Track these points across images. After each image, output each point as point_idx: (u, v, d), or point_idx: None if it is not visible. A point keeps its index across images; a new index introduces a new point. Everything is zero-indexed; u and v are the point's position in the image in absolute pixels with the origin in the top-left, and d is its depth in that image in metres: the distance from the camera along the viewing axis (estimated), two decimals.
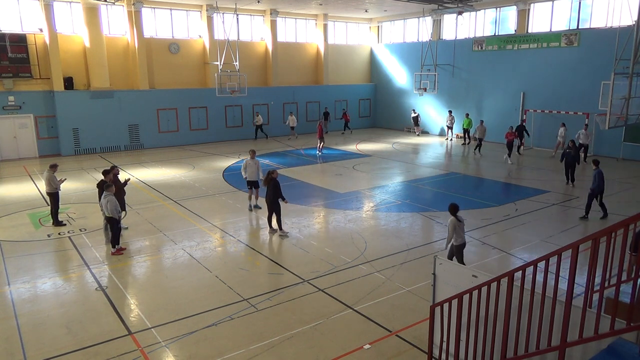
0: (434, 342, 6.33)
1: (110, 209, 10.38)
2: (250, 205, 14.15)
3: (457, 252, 8.87)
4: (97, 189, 11.64)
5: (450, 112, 27.41)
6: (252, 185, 13.88)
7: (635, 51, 14.33)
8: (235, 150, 24.42)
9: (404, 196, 15.65)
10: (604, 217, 12.91)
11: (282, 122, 29.40)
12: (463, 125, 26.29)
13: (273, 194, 11.57)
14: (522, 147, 23.02)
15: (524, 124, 22.91)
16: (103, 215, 11.15)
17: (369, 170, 19.74)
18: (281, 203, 11.72)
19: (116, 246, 10.68)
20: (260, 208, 13.85)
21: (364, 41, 34.07)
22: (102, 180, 11.45)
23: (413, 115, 30.53)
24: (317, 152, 23.39)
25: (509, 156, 20.62)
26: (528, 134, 23.15)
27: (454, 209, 8.79)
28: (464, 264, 8.80)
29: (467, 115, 26.16)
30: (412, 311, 8.02)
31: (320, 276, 9.41)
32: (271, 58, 29.35)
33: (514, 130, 21.12)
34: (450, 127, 27.29)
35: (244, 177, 13.89)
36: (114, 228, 10.58)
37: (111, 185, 10.77)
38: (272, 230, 12.01)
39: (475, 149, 22.78)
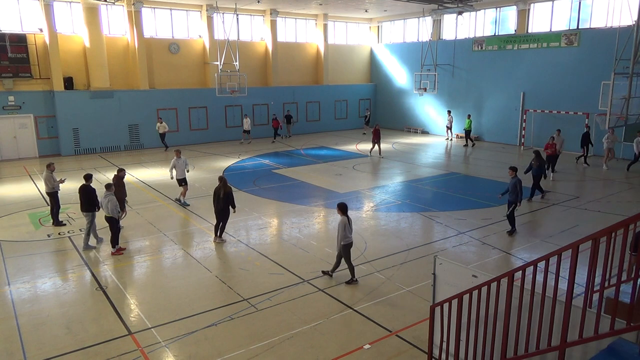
0: (434, 342, 6.33)
1: (111, 209, 10.37)
2: (179, 200, 14.63)
3: (345, 252, 8.96)
4: (80, 194, 11.09)
5: (449, 112, 27.43)
6: (181, 182, 14.67)
7: (635, 51, 14.35)
8: (235, 150, 24.42)
9: (404, 196, 15.65)
10: (512, 233, 11.66)
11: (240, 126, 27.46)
12: (465, 127, 25.76)
13: (225, 203, 11.11)
14: (585, 157, 19.96)
15: (588, 131, 19.89)
16: (86, 218, 10.99)
17: (369, 170, 19.74)
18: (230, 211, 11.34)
19: (116, 246, 10.67)
20: (189, 205, 14.43)
21: (364, 41, 34.07)
22: (83, 184, 11.15)
23: (366, 114, 30.71)
24: (380, 155, 22.29)
25: (552, 171, 17.29)
26: (591, 143, 20.08)
27: (344, 208, 8.90)
28: (350, 263, 9.06)
29: (469, 116, 25.87)
30: (412, 311, 8.02)
31: (320, 276, 9.41)
32: (271, 58, 29.35)
33: (554, 140, 17.44)
34: (449, 127, 27.29)
35: (171, 177, 14.75)
36: (113, 228, 10.57)
37: (111, 185, 10.76)
38: (220, 240, 11.42)
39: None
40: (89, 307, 8.33)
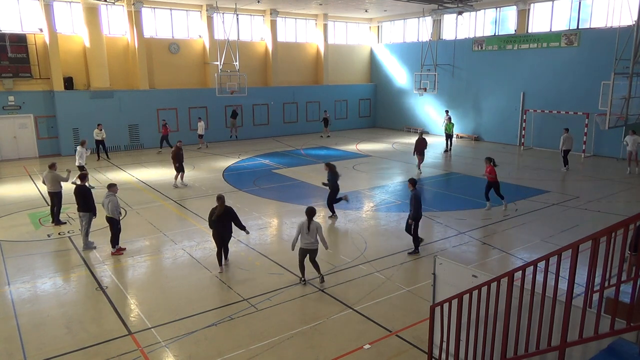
0: (434, 342, 6.33)
1: (111, 209, 10.35)
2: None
3: (300, 254, 8.93)
4: (75, 196, 10.96)
5: (447, 111, 27.45)
6: (82, 168, 16.23)
7: (635, 51, 14.35)
8: (235, 150, 24.42)
9: (404, 196, 15.64)
10: (414, 253, 10.51)
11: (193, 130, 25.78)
12: (445, 130, 24.06)
13: (226, 225, 9.48)
14: None
15: None
16: (83, 218, 10.88)
17: (369, 170, 19.74)
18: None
19: (116, 246, 10.66)
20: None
21: (364, 41, 34.07)
22: (77, 185, 11.06)
23: (324, 116, 29.32)
24: (418, 170, 18.91)
25: (501, 197, 13.72)
26: None
27: (307, 212, 8.82)
28: (303, 266, 8.98)
29: (450, 119, 24.80)
30: (412, 311, 8.02)
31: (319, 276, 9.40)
32: (271, 58, 29.35)
33: (493, 164, 13.48)
34: None
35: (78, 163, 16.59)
36: (114, 228, 10.56)
37: (113, 185, 10.69)
38: (223, 266, 9.78)
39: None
40: (89, 307, 8.33)
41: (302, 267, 9.06)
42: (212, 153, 23.80)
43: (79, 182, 11.20)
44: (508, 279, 4.91)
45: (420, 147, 18.65)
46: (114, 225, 10.52)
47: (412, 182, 10.54)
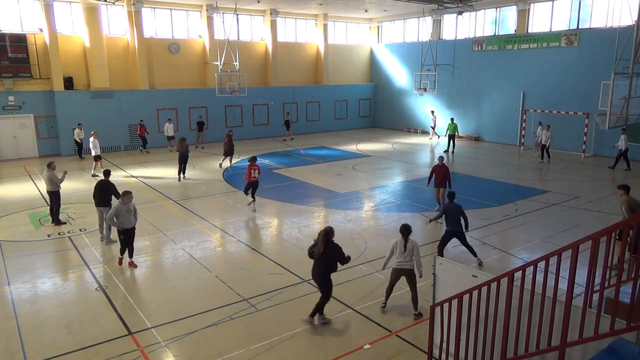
0: (434, 342, 6.33)
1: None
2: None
3: (392, 275, 7.95)
4: (95, 190, 11.46)
5: (432, 112, 27.77)
6: (97, 158, 18.63)
7: (635, 51, 14.33)
8: (235, 150, 24.36)
9: (404, 196, 15.65)
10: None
11: (161, 131, 24.85)
12: (448, 131, 23.59)
13: (331, 263, 7.52)
14: None
15: None
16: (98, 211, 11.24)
17: (369, 170, 19.74)
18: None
19: (119, 256, 10.11)
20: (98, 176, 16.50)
21: (364, 41, 34.07)
22: (101, 180, 11.46)
23: (286, 118, 28.18)
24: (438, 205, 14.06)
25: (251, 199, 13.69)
26: None
27: (402, 230, 7.80)
28: (415, 293, 7.81)
29: (452, 120, 24.27)
30: (412, 311, 8.01)
31: None
32: (271, 58, 29.35)
33: (251, 162, 13.52)
34: (433, 127, 27.74)
35: (94, 153, 18.71)
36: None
37: (127, 194, 9.80)
38: (319, 319, 7.69)
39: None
40: (89, 307, 8.33)
41: (390, 290, 7.99)
42: (212, 153, 23.79)
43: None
44: (508, 279, 4.91)
45: (440, 177, 13.49)
46: (118, 234, 10.05)
47: (452, 194, 10.00)
